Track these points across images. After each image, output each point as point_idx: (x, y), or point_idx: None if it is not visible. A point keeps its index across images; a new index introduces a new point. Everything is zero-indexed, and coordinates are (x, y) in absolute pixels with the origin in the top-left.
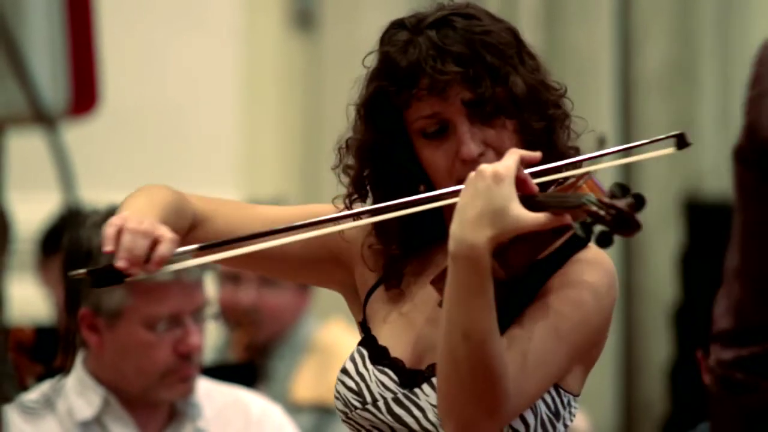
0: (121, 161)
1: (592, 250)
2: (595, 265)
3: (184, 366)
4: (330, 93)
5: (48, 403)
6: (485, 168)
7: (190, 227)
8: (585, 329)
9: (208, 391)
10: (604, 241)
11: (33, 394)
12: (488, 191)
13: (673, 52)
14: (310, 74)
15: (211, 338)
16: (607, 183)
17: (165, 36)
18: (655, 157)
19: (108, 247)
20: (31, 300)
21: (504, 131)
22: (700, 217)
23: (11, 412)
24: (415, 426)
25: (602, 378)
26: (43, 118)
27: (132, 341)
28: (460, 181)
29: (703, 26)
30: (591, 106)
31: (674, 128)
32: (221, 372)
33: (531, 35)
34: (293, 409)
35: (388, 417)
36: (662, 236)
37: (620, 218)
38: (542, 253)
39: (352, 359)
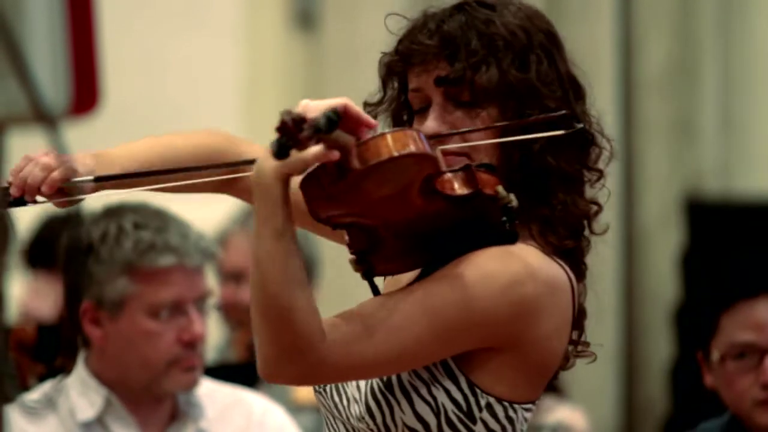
0: None
1: (515, 247)
2: (509, 255)
3: (189, 355)
4: (331, 93)
5: (50, 403)
6: (301, 102)
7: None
8: (462, 311)
9: (210, 391)
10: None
11: (34, 394)
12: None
13: (674, 52)
14: (311, 74)
15: (213, 338)
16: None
17: (166, 36)
18: (545, 137)
19: (9, 177)
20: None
21: (476, 120)
22: (701, 216)
23: (13, 411)
24: (344, 414)
25: (603, 377)
26: (44, 118)
27: (136, 331)
28: None
29: (704, 26)
30: (592, 106)
31: (675, 128)
32: (223, 372)
33: None
34: (294, 409)
35: (330, 402)
36: (663, 236)
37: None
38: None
39: None
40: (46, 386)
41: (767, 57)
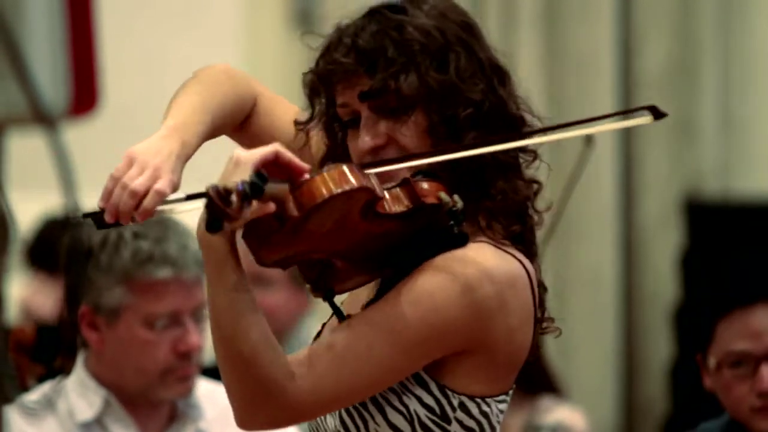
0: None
1: (468, 249)
2: (461, 261)
3: (184, 365)
4: None
5: (49, 404)
6: (234, 154)
7: (249, 114)
8: (424, 327)
9: (209, 392)
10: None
11: (34, 395)
12: (228, 176)
13: (674, 52)
14: None
15: (209, 340)
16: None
17: (165, 36)
18: (621, 127)
19: (100, 203)
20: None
21: (406, 126)
22: (701, 217)
23: (12, 412)
24: (321, 427)
25: (603, 378)
26: (43, 119)
27: (131, 339)
28: None
29: (703, 26)
30: (592, 105)
31: (675, 128)
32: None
33: (532, 35)
34: None
35: None
36: (662, 236)
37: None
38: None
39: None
40: (46, 387)
41: (767, 57)
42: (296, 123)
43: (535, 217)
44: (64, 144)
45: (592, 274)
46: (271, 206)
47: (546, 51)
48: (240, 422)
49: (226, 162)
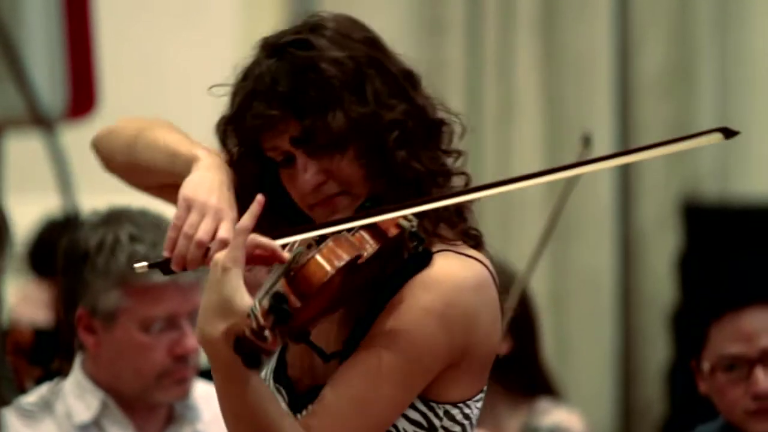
0: None
1: (434, 268)
2: (430, 286)
3: (180, 368)
4: None
5: (46, 406)
6: (216, 258)
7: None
8: (416, 360)
9: (206, 394)
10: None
11: (31, 397)
12: (217, 284)
13: (672, 54)
14: None
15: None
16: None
17: (163, 38)
18: (698, 145)
19: (165, 252)
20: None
21: (342, 160)
22: (699, 219)
23: (9, 414)
24: None
25: (600, 381)
26: (41, 121)
27: (127, 343)
28: (312, 208)
29: (701, 28)
30: (589, 107)
31: (672, 130)
32: None
33: (530, 37)
34: None
35: None
36: (660, 239)
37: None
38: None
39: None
40: (43, 389)
41: (765, 59)
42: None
43: (470, 209)
44: (62, 146)
45: (590, 276)
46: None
47: (544, 53)
48: None
49: (210, 273)
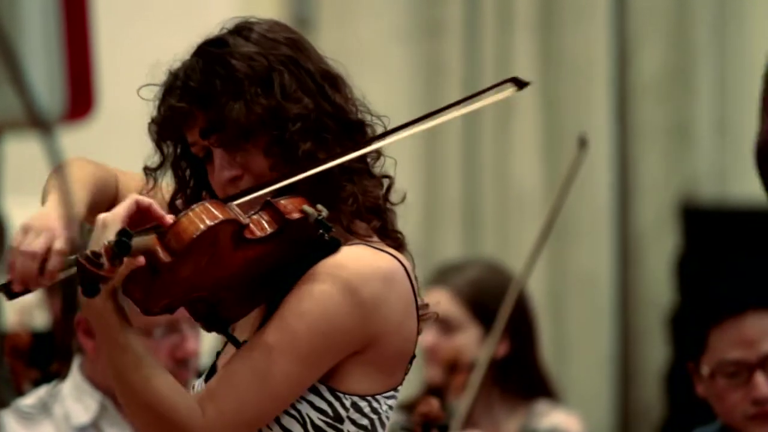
0: (117, 166)
1: (341, 254)
2: (334, 270)
3: (181, 372)
4: None
5: (44, 408)
6: (99, 217)
7: (115, 199)
8: (315, 338)
9: None
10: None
11: (29, 399)
12: (97, 240)
13: (669, 57)
14: None
15: (208, 343)
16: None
17: (161, 40)
18: (494, 101)
19: (7, 276)
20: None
21: (253, 154)
22: (696, 221)
23: (8, 417)
24: None
25: (598, 382)
26: (39, 123)
27: None
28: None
29: (699, 31)
30: (587, 111)
31: (670, 132)
32: None
33: (527, 40)
34: None
35: None
36: (658, 240)
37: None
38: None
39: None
40: (41, 391)
41: (762, 62)
42: (146, 169)
43: (393, 210)
44: (61, 149)
45: (587, 278)
46: (141, 259)
47: (542, 56)
48: None
49: (95, 227)
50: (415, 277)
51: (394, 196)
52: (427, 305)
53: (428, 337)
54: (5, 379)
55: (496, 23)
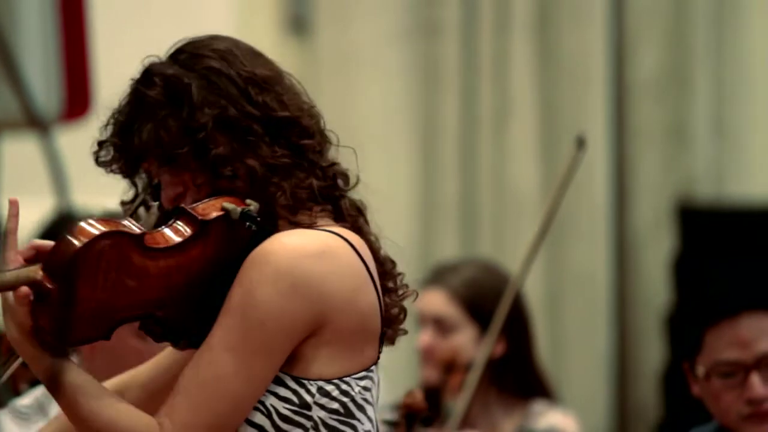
0: None
1: (267, 241)
2: (261, 258)
3: None
4: (324, 97)
5: (41, 409)
6: None
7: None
8: (259, 328)
9: None
10: None
11: (26, 399)
12: None
13: (666, 58)
14: (304, 79)
15: None
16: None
17: (158, 41)
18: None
19: None
20: None
21: (186, 169)
22: (693, 222)
23: (4, 417)
24: None
25: (595, 383)
26: (36, 123)
27: (123, 348)
28: None
29: (696, 31)
30: (585, 110)
31: (667, 133)
32: None
33: (524, 41)
34: None
35: None
36: (655, 241)
37: None
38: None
39: None
40: (38, 391)
41: (759, 62)
42: (123, 203)
43: (345, 194)
44: (58, 148)
45: (584, 278)
46: (24, 290)
47: (538, 58)
48: None
49: None
50: (372, 253)
51: (348, 181)
52: (406, 285)
53: (425, 337)
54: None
55: (493, 24)
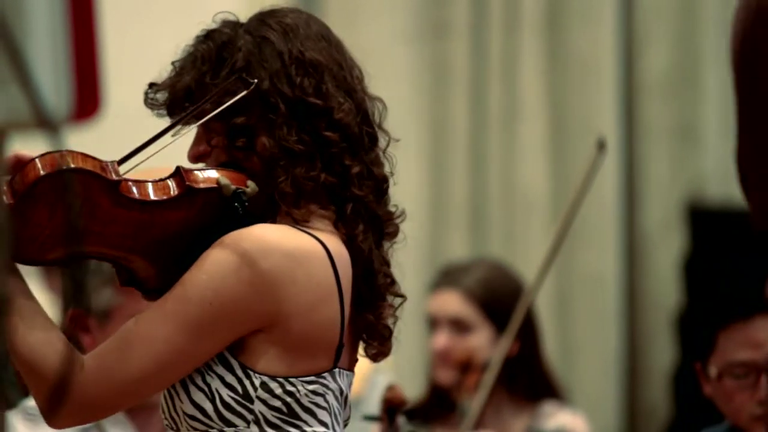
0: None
1: (246, 229)
2: (231, 242)
3: None
4: None
5: None
6: None
7: None
8: (204, 305)
9: None
10: None
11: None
12: None
13: (676, 56)
14: None
15: None
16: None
17: (168, 40)
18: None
19: None
20: None
21: (215, 132)
22: (703, 222)
23: (14, 417)
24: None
25: (605, 383)
26: (46, 124)
27: None
28: None
29: (705, 30)
30: (595, 110)
31: (677, 132)
32: None
33: (534, 40)
34: None
35: None
36: (665, 241)
37: None
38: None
39: None
40: None
41: None
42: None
43: (360, 198)
44: (67, 149)
45: (594, 279)
46: None
47: (549, 55)
48: (48, 423)
49: None
50: (362, 267)
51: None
52: (391, 305)
53: (441, 338)
54: (11, 380)
55: (502, 24)
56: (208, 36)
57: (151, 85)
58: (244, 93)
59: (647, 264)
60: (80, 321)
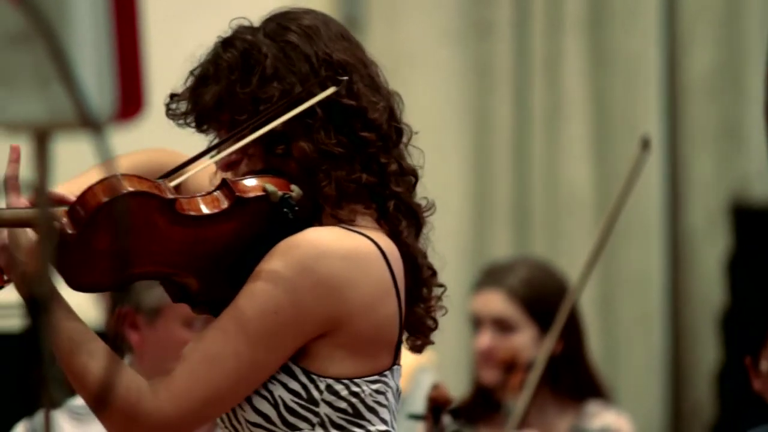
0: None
1: (298, 234)
2: (286, 250)
3: None
4: None
5: None
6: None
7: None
8: (270, 317)
9: None
10: None
11: (80, 399)
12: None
13: (720, 56)
14: None
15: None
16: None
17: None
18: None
19: None
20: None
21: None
22: (748, 221)
23: (59, 416)
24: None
25: (650, 383)
26: (89, 123)
27: (171, 339)
28: None
29: (750, 29)
30: (638, 110)
31: (721, 132)
32: None
33: (577, 40)
34: None
35: None
36: (710, 241)
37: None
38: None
39: None
40: None
41: None
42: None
43: (399, 195)
44: (111, 149)
45: (639, 278)
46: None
47: (592, 54)
48: None
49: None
50: (423, 268)
51: (400, 181)
52: (439, 298)
53: (485, 338)
54: (57, 378)
55: (545, 23)
56: (228, 43)
57: (172, 96)
58: (332, 90)
59: (692, 263)
60: (128, 319)
